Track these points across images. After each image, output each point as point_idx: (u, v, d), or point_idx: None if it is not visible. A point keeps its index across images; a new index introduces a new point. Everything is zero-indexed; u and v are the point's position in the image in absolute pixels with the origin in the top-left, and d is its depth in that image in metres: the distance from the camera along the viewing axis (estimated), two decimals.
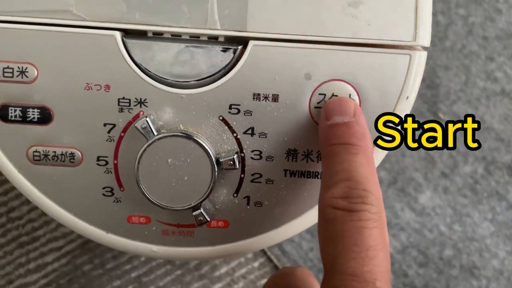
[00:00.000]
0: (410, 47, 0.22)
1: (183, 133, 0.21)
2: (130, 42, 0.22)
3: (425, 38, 0.22)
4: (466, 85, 0.57)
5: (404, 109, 0.22)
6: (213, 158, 0.21)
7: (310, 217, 0.23)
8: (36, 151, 0.22)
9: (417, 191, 0.54)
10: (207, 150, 0.21)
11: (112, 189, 0.23)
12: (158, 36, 0.22)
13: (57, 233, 0.34)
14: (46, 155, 0.22)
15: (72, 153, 0.22)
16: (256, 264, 0.37)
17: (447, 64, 0.51)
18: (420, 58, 0.22)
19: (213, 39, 0.22)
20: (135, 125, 0.21)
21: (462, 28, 0.51)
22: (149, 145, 0.21)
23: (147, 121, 0.21)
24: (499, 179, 0.54)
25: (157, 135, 0.21)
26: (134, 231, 0.23)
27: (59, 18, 0.21)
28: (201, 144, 0.21)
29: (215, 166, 0.22)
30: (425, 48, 0.22)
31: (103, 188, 0.23)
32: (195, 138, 0.21)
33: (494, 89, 0.56)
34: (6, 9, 0.21)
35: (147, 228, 0.23)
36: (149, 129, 0.21)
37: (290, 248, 0.42)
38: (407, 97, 0.22)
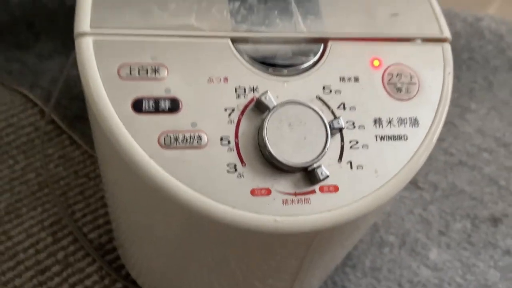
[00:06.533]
0: (439, 40, 0.30)
1: (299, 101, 0.26)
2: (239, 45, 0.27)
3: (446, 31, 0.30)
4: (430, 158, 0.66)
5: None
6: (325, 119, 0.26)
7: (407, 173, 0.27)
8: (167, 137, 0.25)
9: (425, 249, 0.58)
10: (320, 114, 0.26)
11: (235, 165, 0.25)
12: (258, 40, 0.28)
13: None
14: (176, 139, 0.25)
15: (199, 136, 0.25)
16: None
17: None
18: (448, 48, 0.30)
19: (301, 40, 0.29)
20: (260, 98, 0.25)
21: None
22: (273, 111, 0.25)
23: (268, 94, 0.26)
24: (487, 231, 0.60)
25: (279, 103, 0.25)
26: (257, 204, 0.25)
27: (184, 30, 0.27)
28: (315, 109, 0.26)
29: (327, 126, 0.26)
30: (449, 40, 0.30)
31: (227, 165, 0.25)
32: (309, 105, 0.26)
33: (453, 161, 0.66)
34: (143, 25, 0.27)
35: (269, 199, 0.25)
36: (271, 100, 0.25)
37: None
38: (449, 72, 0.29)
